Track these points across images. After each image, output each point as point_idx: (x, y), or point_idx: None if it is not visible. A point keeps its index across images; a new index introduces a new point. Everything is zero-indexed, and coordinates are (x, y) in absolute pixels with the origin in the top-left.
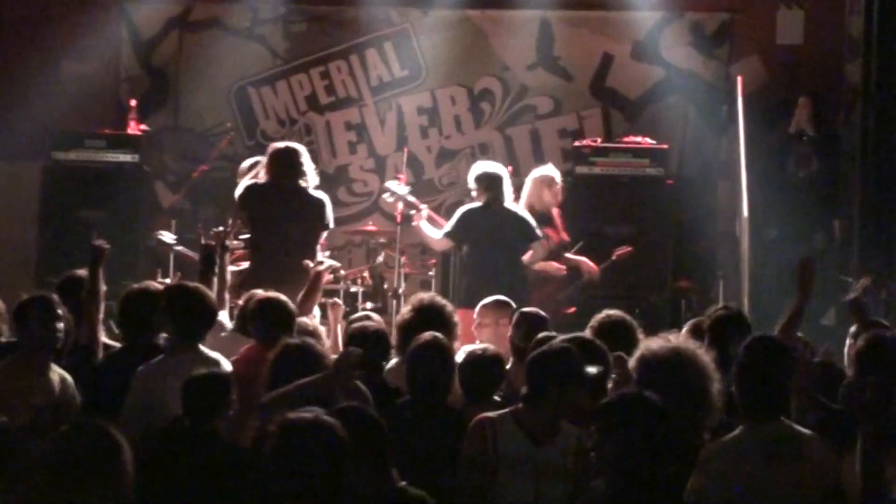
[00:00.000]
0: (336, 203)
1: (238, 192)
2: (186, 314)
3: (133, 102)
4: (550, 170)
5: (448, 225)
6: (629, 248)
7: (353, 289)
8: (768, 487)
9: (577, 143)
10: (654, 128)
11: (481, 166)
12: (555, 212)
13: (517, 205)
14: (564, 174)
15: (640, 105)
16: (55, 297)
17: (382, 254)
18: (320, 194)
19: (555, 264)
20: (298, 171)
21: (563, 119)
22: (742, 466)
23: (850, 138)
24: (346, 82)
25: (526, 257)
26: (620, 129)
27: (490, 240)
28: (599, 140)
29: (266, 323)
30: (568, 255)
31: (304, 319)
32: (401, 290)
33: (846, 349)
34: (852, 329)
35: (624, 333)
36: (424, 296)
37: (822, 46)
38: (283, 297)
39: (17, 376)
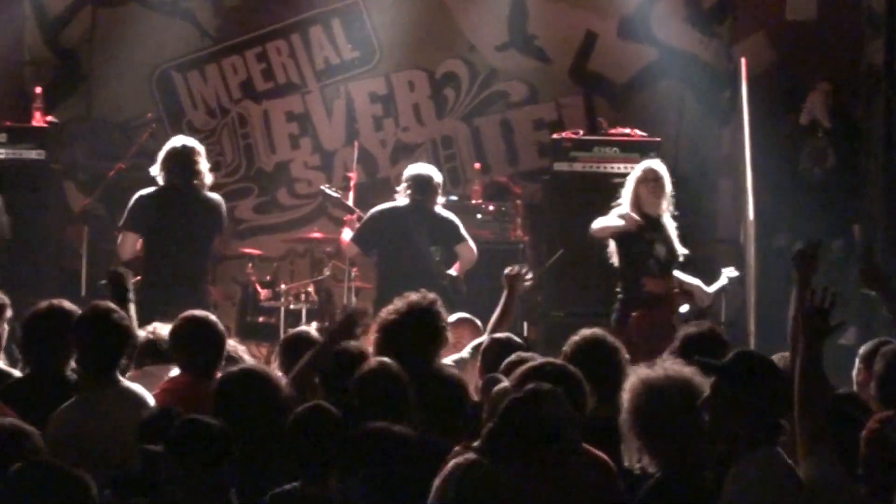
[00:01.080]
0: (276, 206)
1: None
2: (102, 342)
3: (38, 90)
4: (650, 163)
5: (357, 228)
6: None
7: (294, 306)
8: None
9: (555, 136)
10: (645, 117)
11: (413, 167)
12: (666, 217)
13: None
14: (541, 171)
15: (629, 91)
16: None
17: (330, 265)
18: (216, 196)
19: (664, 283)
20: (193, 172)
21: (540, 108)
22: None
23: (871, 129)
24: (286, 66)
25: (456, 268)
26: (606, 119)
27: (401, 245)
28: (581, 132)
29: (198, 349)
30: (679, 275)
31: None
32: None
33: (854, 373)
34: (862, 350)
35: (604, 356)
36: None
37: (838, 23)
38: (212, 317)
39: None
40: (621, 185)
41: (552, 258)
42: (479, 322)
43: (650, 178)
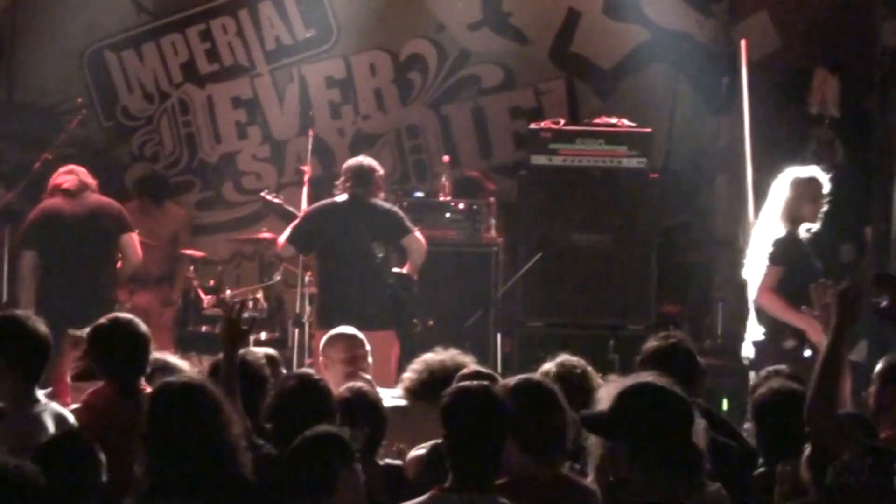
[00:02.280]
0: (221, 203)
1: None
2: (24, 352)
3: None
4: (811, 173)
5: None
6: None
7: (243, 314)
8: None
9: (533, 126)
10: (635, 106)
11: (352, 160)
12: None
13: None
14: (517, 165)
15: (616, 76)
16: None
17: (281, 269)
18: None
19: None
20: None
21: (516, 94)
22: None
23: (885, 121)
24: (233, 45)
25: (407, 267)
26: (590, 108)
27: (341, 243)
28: (563, 121)
29: (123, 356)
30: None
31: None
32: (305, 317)
33: (870, 391)
34: (879, 366)
35: (578, 383)
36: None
37: (850, 1)
38: (136, 319)
39: None
40: (606, 180)
41: (529, 262)
42: (360, 335)
43: (819, 195)
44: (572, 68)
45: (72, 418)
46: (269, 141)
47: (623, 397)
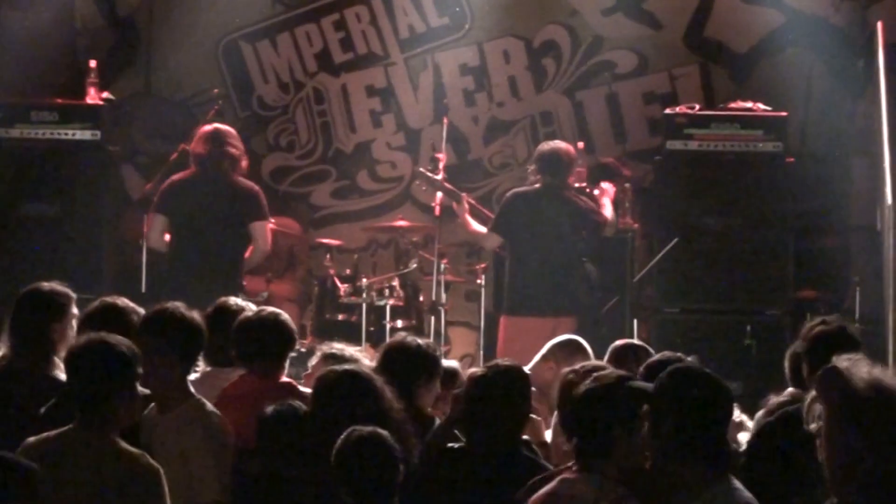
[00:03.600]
0: (356, 190)
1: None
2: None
3: (93, 63)
4: None
5: (495, 216)
6: None
7: (379, 302)
8: None
9: (668, 111)
10: (770, 90)
11: (546, 144)
12: None
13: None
14: (652, 151)
15: (752, 60)
16: None
17: (417, 257)
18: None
19: None
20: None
21: (651, 79)
22: None
23: None
24: (367, 34)
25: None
26: (725, 92)
27: (538, 232)
28: (698, 107)
29: (270, 349)
30: None
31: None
32: (441, 304)
33: None
34: None
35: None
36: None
37: None
38: (283, 313)
39: None
40: (741, 164)
41: (665, 248)
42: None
43: None
44: (707, 53)
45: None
46: (403, 129)
47: (672, 374)
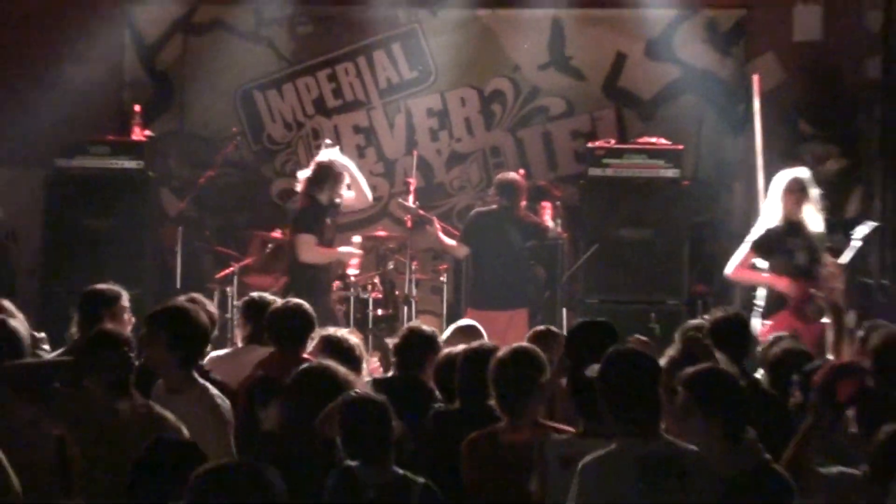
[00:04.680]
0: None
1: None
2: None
3: (137, 108)
4: (794, 172)
5: (462, 231)
6: None
7: (363, 295)
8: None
9: (590, 145)
10: (669, 128)
11: (503, 175)
12: (811, 222)
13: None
14: (578, 176)
15: (655, 104)
16: None
17: (393, 259)
18: None
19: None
20: None
21: (576, 120)
22: (618, 483)
23: (869, 137)
24: (353, 85)
25: None
26: (634, 130)
27: (497, 242)
28: (613, 141)
29: (294, 333)
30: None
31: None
32: (412, 297)
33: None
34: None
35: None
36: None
37: (840, 42)
38: (305, 303)
39: None
40: (647, 187)
41: (587, 252)
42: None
43: (794, 189)
44: (620, 99)
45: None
46: (382, 159)
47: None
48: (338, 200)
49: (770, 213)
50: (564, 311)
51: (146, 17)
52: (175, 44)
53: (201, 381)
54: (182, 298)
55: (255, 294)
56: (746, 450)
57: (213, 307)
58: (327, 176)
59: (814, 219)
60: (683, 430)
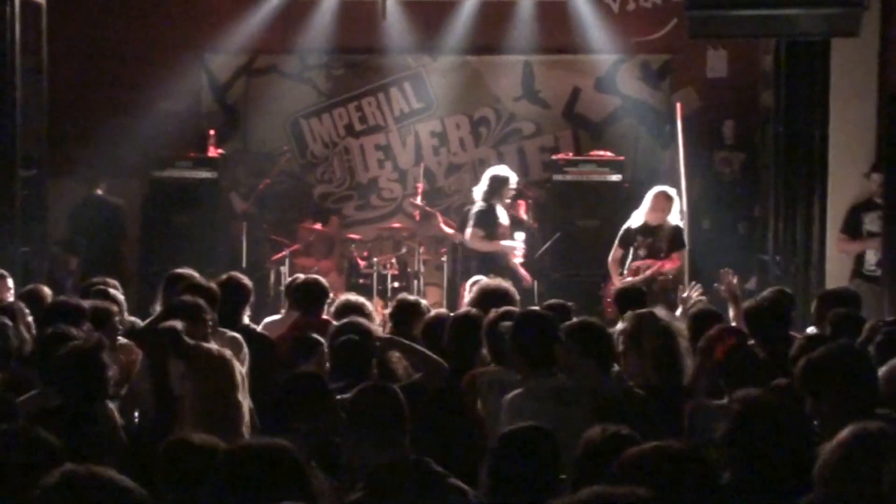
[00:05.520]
0: (369, 207)
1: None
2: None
3: (212, 132)
4: (659, 187)
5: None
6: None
7: (383, 272)
8: (559, 425)
9: (554, 157)
10: (614, 144)
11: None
12: (668, 224)
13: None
14: (545, 181)
15: (602, 126)
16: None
17: (406, 245)
18: None
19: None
20: None
21: (543, 139)
22: (538, 408)
23: (764, 149)
24: (375, 114)
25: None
26: (587, 146)
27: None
28: (571, 154)
29: (307, 297)
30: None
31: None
32: (421, 272)
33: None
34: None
35: (502, 298)
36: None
37: (742, 79)
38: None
39: None
40: (599, 189)
41: (552, 239)
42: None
43: (652, 197)
44: (576, 123)
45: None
46: (396, 170)
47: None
48: (507, 201)
49: (635, 217)
50: (535, 282)
51: (218, 64)
52: (240, 83)
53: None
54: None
55: (299, 276)
56: (614, 380)
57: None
58: (497, 185)
59: (674, 221)
60: (571, 368)
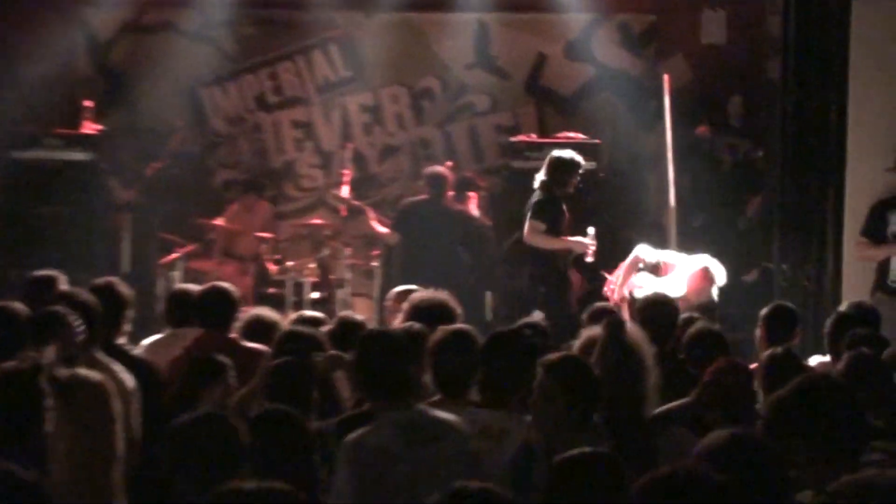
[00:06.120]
0: (283, 197)
1: None
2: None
3: (88, 103)
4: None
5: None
6: None
7: (300, 279)
8: (409, 466)
9: (512, 139)
10: (587, 123)
11: (432, 168)
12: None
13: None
14: (501, 168)
15: (573, 102)
16: None
17: (328, 246)
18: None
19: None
20: None
21: (500, 116)
22: (385, 449)
23: (770, 131)
24: (293, 83)
25: None
26: (554, 125)
27: (426, 230)
28: (534, 136)
29: (213, 310)
30: None
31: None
32: (346, 280)
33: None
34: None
35: (440, 315)
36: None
37: (744, 45)
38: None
39: None
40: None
41: (510, 240)
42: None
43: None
44: (541, 96)
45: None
46: (318, 152)
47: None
48: (570, 191)
49: None
50: (489, 294)
51: (98, 19)
52: (125, 43)
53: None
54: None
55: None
56: (593, 435)
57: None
58: (562, 170)
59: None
60: (541, 413)
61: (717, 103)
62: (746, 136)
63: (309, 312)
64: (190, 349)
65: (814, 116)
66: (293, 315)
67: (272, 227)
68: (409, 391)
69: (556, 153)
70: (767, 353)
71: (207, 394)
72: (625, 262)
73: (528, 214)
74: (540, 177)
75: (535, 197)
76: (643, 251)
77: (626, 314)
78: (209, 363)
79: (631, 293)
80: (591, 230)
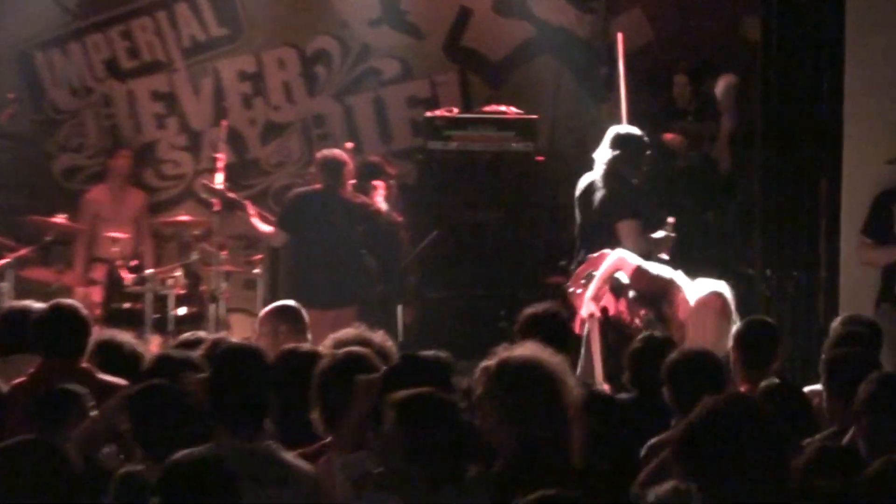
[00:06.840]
0: (142, 187)
1: None
2: None
3: None
4: None
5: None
6: None
7: (163, 291)
8: None
9: (429, 114)
10: (522, 95)
11: (325, 151)
12: None
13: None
14: (415, 150)
15: (505, 68)
16: None
17: (198, 249)
18: None
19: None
20: None
21: (413, 85)
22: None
23: (748, 105)
24: (152, 43)
25: None
26: (481, 97)
27: (319, 228)
28: (456, 110)
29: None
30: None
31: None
32: (220, 292)
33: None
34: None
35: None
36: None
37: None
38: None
39: None
40: (496, 162)
41: (427, 239)
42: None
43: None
44: (465, 61)
45: None
46: (185, 131)
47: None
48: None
49: None
50: (400, 308)
51: None
52: None
53: None
54: None
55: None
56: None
57: None
58: (638, 150)
59: None
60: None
61: (680, 71)
62: (704, 119)
63: (188, 335)
64: (34, 379)
65: (802, 87)
66: (166, 340)
67: (146, 223)
68: (260, 422)
69: (622, 129)
70: (763, 384)
71: (61, 433)
72: (600, 268)
73: (617, 213)
74: (605, 160)
75: (615, 186)
76: (624, 261)
77: (594, 336)
78: (60, 396)
79: (607, 313)
80: (670, 219)
